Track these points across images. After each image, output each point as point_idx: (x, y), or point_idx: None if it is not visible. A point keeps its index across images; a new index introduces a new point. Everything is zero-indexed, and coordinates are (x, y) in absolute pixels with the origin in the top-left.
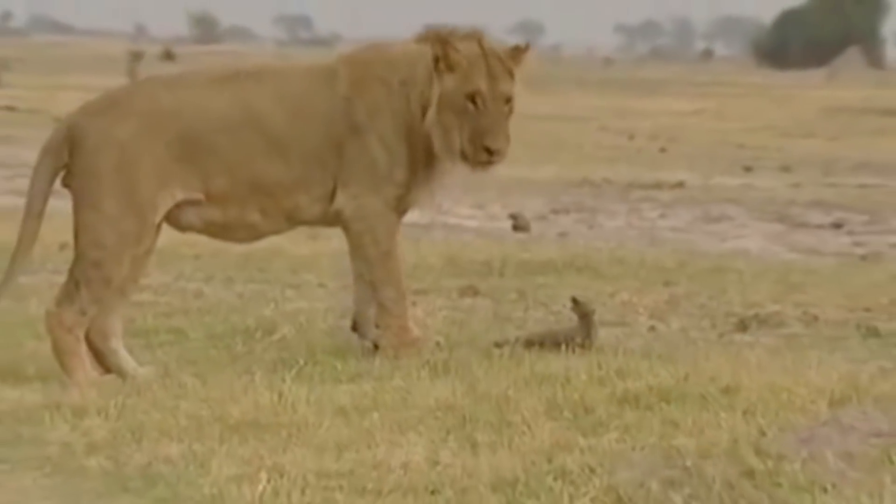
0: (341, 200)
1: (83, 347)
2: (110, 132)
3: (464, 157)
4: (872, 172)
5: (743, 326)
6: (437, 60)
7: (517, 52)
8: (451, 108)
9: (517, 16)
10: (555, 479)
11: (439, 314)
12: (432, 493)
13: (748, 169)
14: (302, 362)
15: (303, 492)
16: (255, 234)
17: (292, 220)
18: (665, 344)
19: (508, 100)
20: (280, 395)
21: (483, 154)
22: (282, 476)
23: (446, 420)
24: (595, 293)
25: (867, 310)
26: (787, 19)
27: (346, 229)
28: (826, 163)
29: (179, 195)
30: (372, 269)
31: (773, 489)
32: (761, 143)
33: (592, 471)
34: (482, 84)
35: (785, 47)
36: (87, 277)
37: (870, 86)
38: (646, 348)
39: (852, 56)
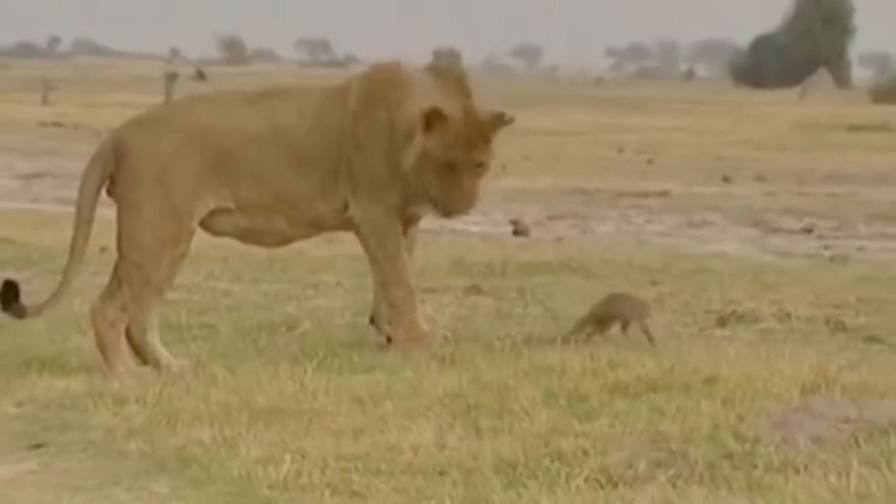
0: (352, 208)
1: (123, 341)
2: (154, 145)
3: (433, 203)
4: (840, 182)
5: (722, 322)
6: (425, 121)
7: (497, 122)
8: (429, 165)
9: (518, 39)
10: (552, 460)
11: (446, 311)
12: (440, 473)
13: (727, 179)
14: (321, 355)
15: (322, 472)
16: (283, 240)
17: (316, 227)
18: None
19: (480, 165)
20: (302, 385)
21: (452, 214)
22: (304, 458)
23: (453, 407)
24: (587, 292)
25: (835, 307)
26: (762, 43)
27: (357, 234)
28: (798, 173)
29: (212, 203)
30: (380, 270)
31: (749, 470)
32: (739, 156)
33: (586, 453)
34: (460, 154)
35: (760, 69)
36: (128, 277)
37: (838, 103)
38: (634, 342)
39: (822, 76)
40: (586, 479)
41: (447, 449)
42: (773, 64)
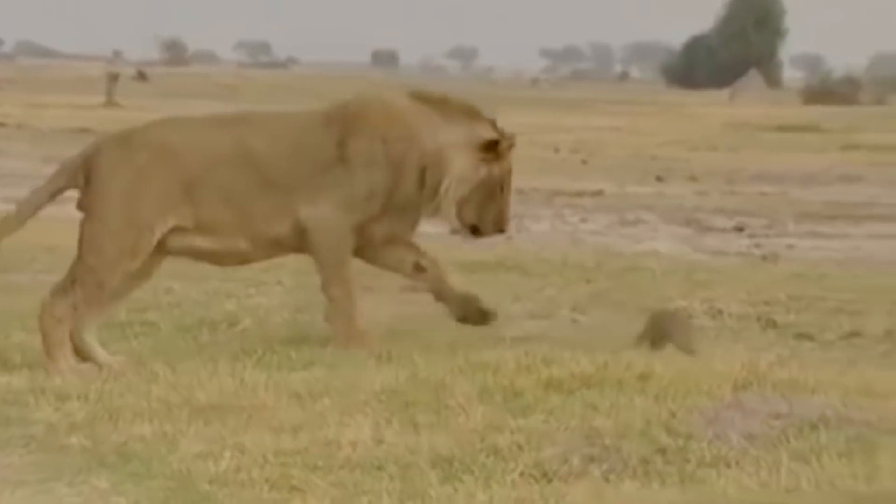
0: (307, 212)
1: (69, 338)
2: (124, 160)
3: (474, 229)
4: (770, 181)
5: None
6: (490, 147)
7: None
8: (484, 190)
9: (454, 41)
10: (487, 455)
11: (384, 309)
12: (377, 468)
13: (660, 179)
14: (261, 352)
15: (262, 468)
16: (240, 261)
17: (276, 248)
18: (586, 335)
19: None
20: (241, 381)
21: (498, 233)
22: (243, 453)
23: (390, 403)
24: (523, 289)
25: (766, 304)
26: (695, 45)
27: (306, 239)
28: (729, 173)
29: (171, 222)
30: (324, 271)
31: (682, 464)
32: (671, 156)
33: (521, 448)
34: (510, 175)
35: (692, 70)
36: (83, 280)
37: (768, 104)
38: (569, 339)
39: (753, 77)
40: (521, 474)
41: (384, 444)
42: (704, 65)
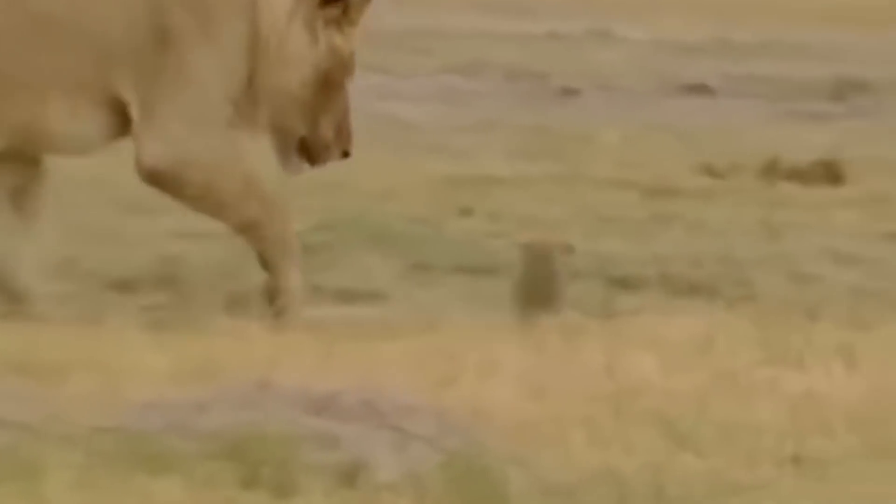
0: (146, 142)
1: None
2: None
3: (303, 146)
4: None
5: None
6: (333, 3)
7: None
8: (326, 81)
9: None
10: None
11: None
12: None
13: None
14: None
15: None
16: None
17: (27, 132)
18: None
19: None
20: None
21: (343, 156)
22: None
23: None
24: None
25: None
26: None
27: (158, 180)
28: None
29: None
30: (218, 217)
31: None
32: None
33: None
34: (354, 63)
35: None
36: None
37: None
38: None
39: None
40: None
41: None
42: None
